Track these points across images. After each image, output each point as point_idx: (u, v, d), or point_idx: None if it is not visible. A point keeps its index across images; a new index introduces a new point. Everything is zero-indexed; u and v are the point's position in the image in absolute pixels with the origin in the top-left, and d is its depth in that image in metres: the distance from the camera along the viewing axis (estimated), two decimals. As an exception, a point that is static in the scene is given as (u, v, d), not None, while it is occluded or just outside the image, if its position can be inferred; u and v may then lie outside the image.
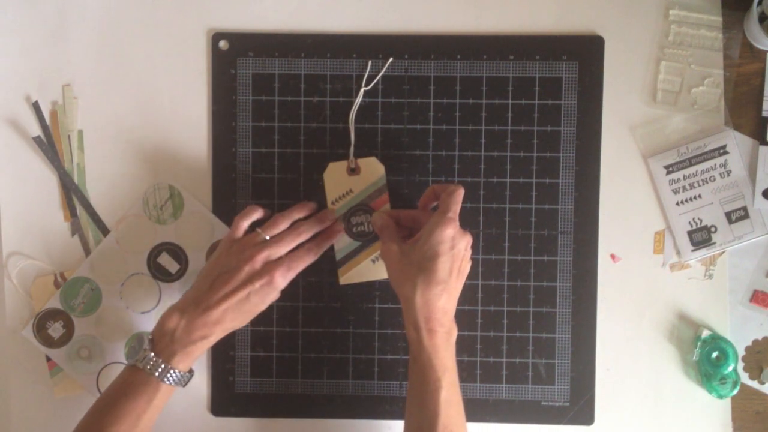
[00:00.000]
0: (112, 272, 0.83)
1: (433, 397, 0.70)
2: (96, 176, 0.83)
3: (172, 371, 0.71)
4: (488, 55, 0.81)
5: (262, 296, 0.74)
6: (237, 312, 0.74)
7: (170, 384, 0.71)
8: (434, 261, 0.70)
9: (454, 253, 0.71)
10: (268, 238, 0.76)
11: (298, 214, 0.79)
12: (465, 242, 0.72)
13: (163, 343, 0.72)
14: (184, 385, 0.73)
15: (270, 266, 0.75)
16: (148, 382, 0.71)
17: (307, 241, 0.78)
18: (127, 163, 0.83)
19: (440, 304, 0.71)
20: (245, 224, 0.78)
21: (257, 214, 0.79)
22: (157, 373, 0.70)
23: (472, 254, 0.78)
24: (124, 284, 0.83)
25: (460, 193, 0.74)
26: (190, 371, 0.73)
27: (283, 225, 0.78)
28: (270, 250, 0.75)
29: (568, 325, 0.82)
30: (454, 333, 0.73)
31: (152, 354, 0.71)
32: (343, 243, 0.81)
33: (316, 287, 0.82)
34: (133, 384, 0.71)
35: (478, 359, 0.82)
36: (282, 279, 0.75)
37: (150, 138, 0.83)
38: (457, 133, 0.82)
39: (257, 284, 0.73)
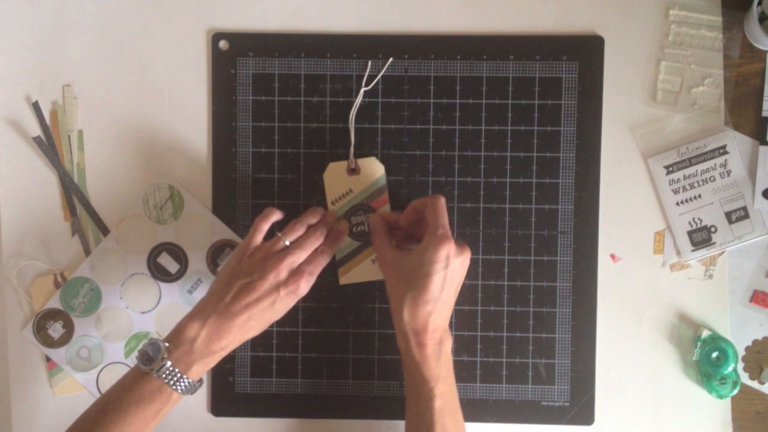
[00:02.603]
0: (112, 272, 0.83)
1: (428, 406, 0.70)
2: (96, 176, 0.83)
3: (185, 380, 0.70)
4: (488, 55, 0.81)
5: (286, 304, 0.74)
6: (258, 321, 0.73)
7: (181, 392, 0.70)
8: (426, 279, 0.71)
9: (448, 271, 0.72)
10: (288, 243, 0.76)
11: (313, 219, 0.79)
12: (461, 259, 0.72)
13: (180, 352, 0.70)
14: (192, 393, 0.72)
15: (295, 275, 0.74)
16: (161, 390, 0.69)
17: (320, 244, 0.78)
18: (127, 163, 0.83)
19: (430, 320, 0.71)
20: (266, 227, 0.77)
21: (276, 215, 0.78)
22: (171, 383, 0.69)
23: (473, 254, 0.79)
24: (124, 284, 0.83)
25: (442, 203, 0.74)
26: (200, 380, 0.72)
27: (301, 230, 0.77)
28: (293, 257, 0.74)
29: (568, 325, 0.82)
30: (448, 342, 0.73)
31: (169, 363, 0.69)
32: (343, 243, 0.81)
33: (316, 287, 0.81)
34: (147, 392, 0.69)
35: (478, 359, 0.82)
36: (306, 286, 0.74)
37: (150, 138, 0.83)
38: (457, 133, 0.82)
39: (283, 292, 0.73)
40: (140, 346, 0.71)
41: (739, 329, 0.82)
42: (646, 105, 0.81)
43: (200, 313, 0.72)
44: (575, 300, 0.82)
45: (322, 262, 0.77)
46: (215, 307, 0.72)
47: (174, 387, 0.69)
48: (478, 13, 0.82)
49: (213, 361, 0.72)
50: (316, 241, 0.77)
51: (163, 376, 0.69)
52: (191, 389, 0.71)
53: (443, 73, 0.81)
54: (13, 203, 0.83)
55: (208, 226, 0.82)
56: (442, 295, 0.71)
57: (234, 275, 0.74)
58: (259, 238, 0.76)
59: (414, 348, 0.72)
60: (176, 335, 0.71)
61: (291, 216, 0.80)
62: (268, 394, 0.83)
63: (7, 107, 0.82)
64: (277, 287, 0.73)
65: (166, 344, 0.70)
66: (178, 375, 0.69)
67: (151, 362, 0.69)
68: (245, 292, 0.72)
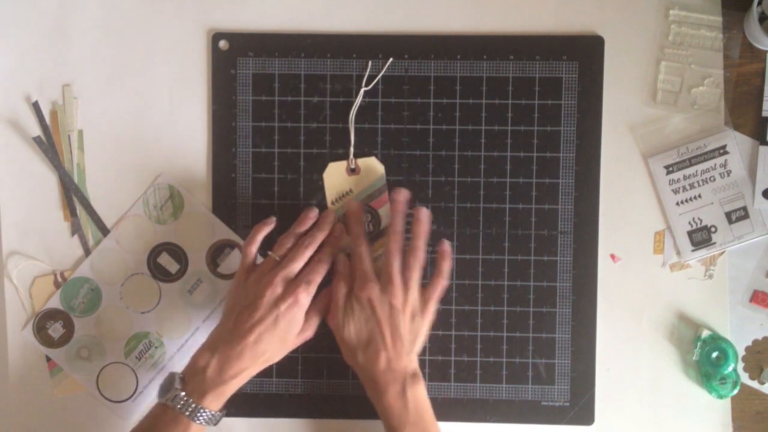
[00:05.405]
0: (112, 272, 0.83)
1: None
2: (96, 176, 0.83)
3: (202, 411, 0.70)
4: (488, 55, 0.81)
5: (290, 318, 0.73)
6: (268, 342, 0.73)
7: (201, 423, 0.70)
8: (356, 327, 0.73)
9: (378, 316, 0.72)
10: (278, 259, 0.76)
11: (301, 228, 0.78)
12: (389, 297, 0.73)
13: (194, 383, 0.71)
14: (215, 424, 0.72)
15: (291, 286, 0.74)
16: (178, 421, 0.70)
17: (316, 251, 0.78)
18: (127, 164, 0.83)
19: (380, 367, 0.72)
20: (254, 249, 0.77)
21: (263, 232, 0.78)
22: (187, 413, 0.70)
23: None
24: (124, 284, 0.83)
25: (397, 237, 0.76)
26: (222, 410, 0.73)
27: (289, 243, 0.77)
28: (285, 270, 0.74)
29: (568, 325, 0.82)
30: (416, 387, 0.73)
31: (183, 393, 0.70)
32: (343, 244, 0.81)
33: (317, 287, 0.82)
34: (163, 422, 0.70)
35: (478, 359, 0.82)
36: (305, 295, 0.74)
37: (150, 138, 0.83)
38: (457, 133, 0.82)
39: (282, 307, 0.73)
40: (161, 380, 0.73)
41: (739, 329, 0.82)
42: (646, 105, 0.81)
43: (210, 343, 0.73)
44: (575, 300, 0.82)
45: (320, 270, 0.76)
46: (222, 336, 0.73)
47: (190, 417, 0.70)
48: (478, 13, 0.82)
49: (228, 389, 0.72)
50: (306, 250, 0.76)
51: (178, 406, 0.70)
52: (212, 420, 0.71)
53: (443, 73, 0.81)
54: (13, 203, 0.83)
55: (208, 226, 0.82)
56: (386, 338, 0.72)
57: (234, 303, 0.75)
58: (249, 261, 0.77)
59: (373, 397, 0.73)
60: (190, 366, 0.73)
61: (291, 216, 0.80)
62: (268, 394, 0.83)
63: (7, 107, 0.82)
64: (276, 303, 0.73)
65: (181, 375, 0.72)
66: (193, 405, 0.70)
67: (167, 393, 0.71)
68: (246, 315, 0.73)
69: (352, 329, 0.74)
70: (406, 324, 0.74)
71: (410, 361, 0.74)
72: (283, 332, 0.74)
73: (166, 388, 0.72)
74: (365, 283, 0.74)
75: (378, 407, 0.74)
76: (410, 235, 0.77)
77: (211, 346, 0.73)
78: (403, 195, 0.78)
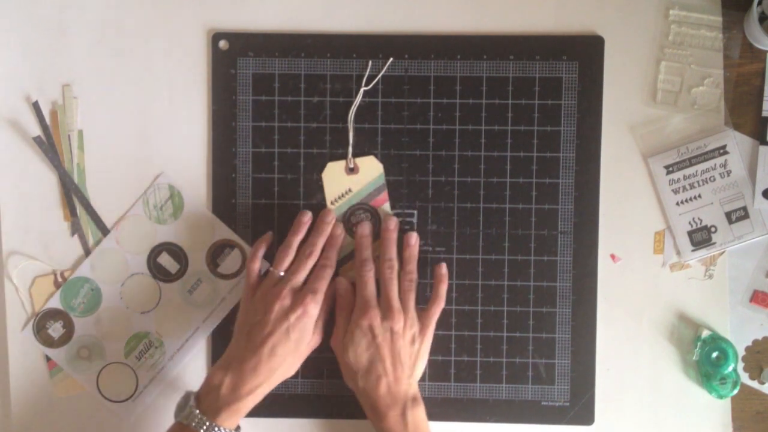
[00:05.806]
0: (112, 272, 0.83)
1: None
2: (96, 176, 0.83)
3: (217, 428, 0.71)
4: (488, 55, 0.81)
5: (301, 329, 0.74)
6: (282, 354, 0.73)
7: None
8: (357, 353, 0.74)
9: (379, 342, 0.73)
10: (282, 273, 0.76)
11: (297, 236, 0.79)
12: (390, 323, 0.74)
13: (208, 401, 0.72)
14: None
15: (299, 297, 0.74)
16: None
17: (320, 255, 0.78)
18: (127, 163, 0.83)
19: (380, 393, 0.73)
20: (257, 265, 0.78)
21: (263, 248, 0.79)
22: (202, 430, 0.70)
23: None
24: (124, 284, 0.83)
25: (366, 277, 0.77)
26: (237, 428, 0.74)
27: (290, 255, 0.78)
28: (291, 281, 0.75)
29: (568, 325, 0.82)
30: (416, 410, 0.74)
31: (197, 411, 0.71)
32: (343, 245, 0.81)
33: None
34: None
35: (478, 359, 0.82)
36: (314, 305, 0.74)
37: (150, 138, 0.83)
38: (457, 133, 0.82)
39: (292, 318, 0.73)
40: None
41: (739, 329, 0.82)
42: (646, 105, 0.81)
43: (224, 361, 0.74)
44: (575, 300, 0.82)
45: (325, 276, 0.77)
46: (235, 354, 0.74)
47: None
48: (478, 13, 0.82)
49: (243, 406, 0.73)
50: (309, 260, 0.77)
51: (193, 423, 0.70)
52: None
53: (443, 73, 0.81)
54: (13, 203, 0.83)
55: (208, 226, 0.82)
56: (386, 364, 0.73)
57: (245, 321, 0.76)
58: (253, 278, 0.77)
59: (374, 421, 0.74)
60: (204, 385, 0.73)
61: (292, 216, 0.80)
62: (268, 394, 0.83)
63: (7, 107, 0.82)
64: (285, 314, 0.73)
65: (195, 394, 0.73)
66: (207, 423, 0.70)
67: (182, 411, 0.72)
68: (257, 331, 0.74)
69: (352, 354, 0.75)
70: (407, 348, 0.75)
71: (410, 385, 0.75)
72: (296, 343, 0.74)
73: (182, 406, 0.72)
74: (367, 310, 0.74)
75: (377, 429, 0.74)
76: (401, 256, 0.79)
77: (224, 365, 0.73)
78: (393, 223, 0.79)
